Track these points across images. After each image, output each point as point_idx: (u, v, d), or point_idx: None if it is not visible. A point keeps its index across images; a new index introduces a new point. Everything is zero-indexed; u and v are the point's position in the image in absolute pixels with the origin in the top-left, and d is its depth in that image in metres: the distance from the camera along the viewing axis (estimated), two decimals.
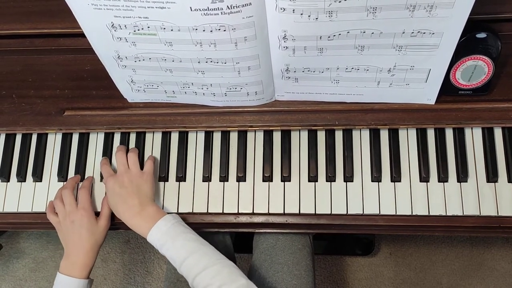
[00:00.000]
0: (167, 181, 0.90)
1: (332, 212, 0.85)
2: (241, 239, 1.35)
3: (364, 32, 0.69)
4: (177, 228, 0.80)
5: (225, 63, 0.75)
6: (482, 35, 0.74)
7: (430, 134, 0.87)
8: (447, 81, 0.79)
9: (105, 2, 0.67)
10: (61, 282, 0.82)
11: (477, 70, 0.78)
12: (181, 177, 0.90)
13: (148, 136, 0.92)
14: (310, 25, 0.68)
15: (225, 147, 0.90)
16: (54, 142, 0.94)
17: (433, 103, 0.82)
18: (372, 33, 0.69)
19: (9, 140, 0.95)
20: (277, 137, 0.90)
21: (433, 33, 0.68)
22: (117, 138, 0.93)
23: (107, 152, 0.92)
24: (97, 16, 0.69)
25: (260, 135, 0.91)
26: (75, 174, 0.92)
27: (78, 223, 0.83)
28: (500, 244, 1.46)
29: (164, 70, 0.79)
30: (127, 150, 0.90)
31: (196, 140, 0.91)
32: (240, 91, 0.81)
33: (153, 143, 0.92)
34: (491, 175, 0.84)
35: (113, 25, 0.70)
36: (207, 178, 0.89)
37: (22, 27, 0.84)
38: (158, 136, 0.92)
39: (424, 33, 0.68)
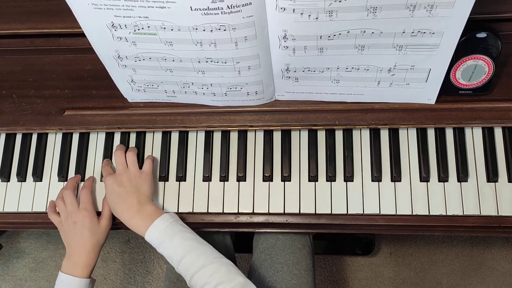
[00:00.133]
0: (167, 181, 0.90)
1: (332, 212, 0.85)
2: (241, 239, 1.35)
3: (364, 31, 0.69)
4: (175, 227, 0.80)
5: (225, 62, 0.75)
6: (482, 34, 0.74)
7: (430, 134, 0.87)
8: (447, 80, 0.79)
9: (105, 2, 0.67)
10: (63, 281, 0.82)
11: (477, 70, 0.78)
12: (181, 177, 0.90)
13: (148, 136, 0.92)
14: (310, 25, 0.68)
15: (225, 147, 0.90)
16: (54, 142, 0.94)
17: (433, 103, 0.82)
18: (372, 32, 0.69)
19: (9, 140, 0.95)
20: (277, 137, 0.90)
21: (433, 33, 0.68)
22: (117, 137, 0.93)
23: (108, 152, 0.92)
24: (97, 16, 0.69)
25: (260, 135, 0.91)
26: (75, 174, 0.92)
27: (80, 224, 0.83)
28: (500, 244, 1.46)
29: (164, 70, 0.79)
30: (127, 150, 0.90)
31: (196, 140, 0.91)
32: (240, 90, 0.81)
33: (153, 143, 0.92)
34: (491, 175, 0.84)
35: (113, 24, 0.70)
36: (207, 178, 0.89)
37: (23, 26, 0.84)
38: (158, 136, 0.92)
39: (424, 32, 0.68)
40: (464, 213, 0.83)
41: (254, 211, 0.87)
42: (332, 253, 1.48)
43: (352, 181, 0.86)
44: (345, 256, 1.48)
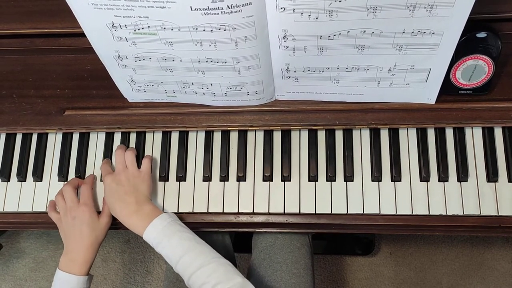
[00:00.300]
0: (167, 180, 0.90)
1: (332, 212, 0.85)
2: (240, 238, 1.35)
3: (364, 31, 0.69)
4: (173, 226, 0.80)
5: (225, 62, 0.75)
6: (482, 34, 0.74)
7: (430, 134, 0.87)
8: (447, 80, 0.79)
9: (106, 2, 0.67)
10: (61, 279, 0.82)
11: (477, 70, 0.78)
12: (181, 177, 0.90)
13: (148, 136, 0.93)
14: (310, 25, 0.68)
15: (225, 147, 0.90)
16: (54, 142, 0.94)
17: (434, 103, 0.82)
18: (372, 32, 0.69)
19: (10, 140, 0.95)
20: (277, 136, 0.90)
21: (433, 33, 0.68)
22: (117, 137, 0.93)
23: (108, 151, 0.92)
24: (98, 16, 0.69)
25: (260, 135, 0.91)
26: (75, 173, 0.92)
27: (79, 219, 0.83)
28: (500, 243, 1.46)
29: (164, 70, 0.79)
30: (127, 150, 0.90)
31: (196, 140, 0.91)
32: (241, 90, 0.82)
33: (153, 143, 0.92)
34: (492, 175, 0.84)
35: (113, 24, 0.70)
36: (207, 177, 0.89)
37: (23, 26, 0.84)
38: (158, 136, 0.92)
39: (424, 32, 0.68)
40: (464, 213, 0.83)
41: (254, 211, 0.87)
42: (332, 253, 1.48)
43: (352, 181, 0.86)
44: (345, 256, 1.48)
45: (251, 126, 0.87)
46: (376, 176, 0.86)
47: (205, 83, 0.80)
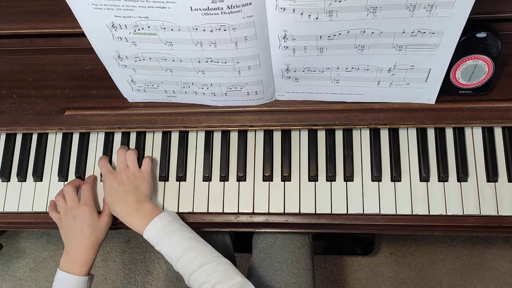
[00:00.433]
0: (168, 180, 0.90)
1: (332, 212, 0.85)
2: (240, 238, 1.35)
3: (364, 31, 0.69)
4: (173, 225, 0.80)
5: (225, 62, 0.75)
6: (482, 34, 0.74)
7: (430, 134, 0.87)
8: (447, 80, 0.79)
9: (106, 2, 0.67)
10: (61, 279, 0.82)
11: (477, 70, 0.78)
12: (181, 177, 0.90)
13: (149, 136, 0.93)
14: (310, 25, 0.68)
15: (225, 147, 0.90)
16: (54, 142, 0.94)
17: (433, 103, 0.82)
18: (372, 32, 0.69)
19: (10, 140, 0.95)
20: (277, 136, 0.90)
21: (433, 33, 0.68)
22: (117, 137, 0.93)
23: (108, 151, 0.92)
24: (98, 16, 0.69)
25: (260, 135, 0.91)
26: (75, 173, 0.92)
27: (80, 219, 0.83)
28: (500, 243, 1.46)
29: (164, 70, 0.79)
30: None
31: (196, 140, 0.92)
32: (241, 90, 0.82)
33: (153, 143, 0.92)
34: (491, 175, 0.84)
35: (113, 25, 0.71)
36: (207, 177, 0.89)
37: (23, 26, 0.84)
38: (158, 136, 0.92)
39: (424, 32, 0.68)
40: (464, 213, 0.83)
41: (254, 211, 0.87)
42: (332, 253, 1.48)
43: (352, 181, 0.87)
44: (345, 256, 1.48)
45: (251, 126, 0.87)
46: (376, 176, 0.86)
47: (205, 83, 0.80)
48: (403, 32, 0.69)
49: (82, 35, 0.74)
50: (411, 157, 0.87)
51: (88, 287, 0.84)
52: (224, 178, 0.89)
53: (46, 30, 0.84)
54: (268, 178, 0.88)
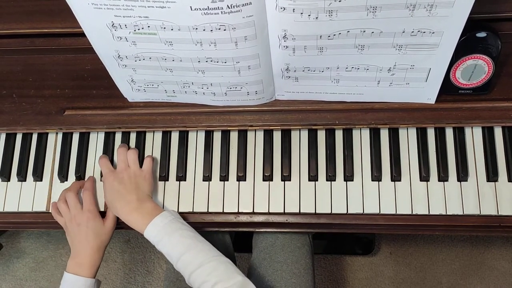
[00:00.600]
0: (168, 180, 0.90)
1: (332, 212, 0.85)
2: (240, 238, 1.35)
3: (364, 31, 0.69)
4: (174, 224, 0.80)
5: (225, 62, 0.75)
6: (482, 34, 0.74)
7: (430, 133, 0.87)
8: (447, 80, 0.79)
9: (105, 2, 0.67)
10: (68, 281, 0.82)
11: (477, 70, 0.78)
12: (181, 177, 0.90)
13: (149, 136, 0.93)
14: (310, 25, 0.68)
15: (225, 147, 0.90)
16: (54, 141, 0.94)
17: (433, 103, 0.82)
18: (372, 32, 0.69)
19: (10, 140, 0.95)
20: (277, 136, 0.90)
21: (433, 32, 0.68)
22: (117, 137, 0.93)
23: (108, 151, 0.92)
24: (97, 16, 0.69)
25: (260, 135, 0.91)
26: (75, 173, 0.92)
27: (84, 225, 0.83)
28: (500, 243, 1.46)
29: (164, 70, 0.79)
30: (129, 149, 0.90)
31: (196, 140, 0.92)
32: (240, 90, 0.82)
33: (153, 143, 0.92)
34: (491, 174, 0.84)
35: (113, 24, 0.71)
36: (207, 177, 0.89)
37: (23, 26, 0.84)
38: (158, 136, 0.92)
39: (424, 32, 0.68)
40: (464, 213, 0.83)
41: (254, 211, 0.87)
42: (332, 253, 1.48)
43: (352, 180, 0.87)
44: (345, 255, 1.48)
45: (251, 126, 0.88)
46: (376, 175, 0.86)
47: (205, 83, 0.80)
48: (403, 32, 0.69)
49: (82, 35, 0.74)
50: (411, 156, 0.87)
51: None
52: (224, 177, 0.89)
53: (46, 30, 0.84)
54: (268, 177, 0.88)
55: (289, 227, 0.89)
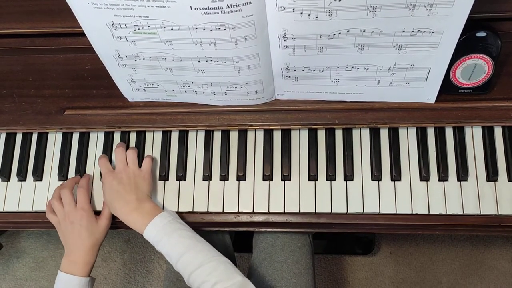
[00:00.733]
0: (167, 180, 0.90)
1: (332, 211, 0.85)
2: (240, 238, 1.35)
3: (364, 31, 0.69)
4: (173, 224, 0.80)
5: (225, 62, 0.75)
6: (482, 34, 0.74)
7: (430, 133, 0.87)
8: (447, 80, 0.79)
9: (105, 1, 0.67)
10: (62, 280, 0.82)
11: (477, 69, 0.78)
12: (181, 176, 0.90)
13: (148, 135, 0.93)
14: (310, 24, 0.68)
15: (225, 146, 0.90)
16: (54, 141, 0.94)
17: (433, 102, 0.83)
18: (372, 32, 0.69)
19: (10, 140, 0.95)
20: (277, 136, 0.90)
21: (433, 32, 0.68)
22: (117, 137, 0.93)
23: (107, 151, 0.92)
24: (97, 15, 0.69)
25: (260, 134, 0.91)
26: (75, 173, 0.92)
27: (77, 223, 0.83)
28: (500, 243, 1.46)
29: (164, 69, 0.79)
30: (127, 148, 0.90)
31: (196, 139, 0.92)
32: (240, 90, 0.82)
33: (153, 142, 0.92)
34: (491, 174, 0.84)
35: (113, 24, 0.71)
36: (207, 177, 0.89)
37: (23, 26, 0.84)
38: (158, 135, 0.92)
39: (424, 31, 0.68)
40: (464, 212, 0.83)
41: (254, 211, 0.87)
42: (332, 253, 1.48)
43: (352, 180, 0.87)
44: (345, 255, 1.48)
45: (251, 125, 0.88)
46: (376, 175, 0.86)
47: (205, 82, 0.80)
48: (403, 31, 0.69)
49: (82, 34, 0.74)
50: (411, 156, 0.87)
51: None
52: (224, 177, 0.89)
53: (46, 30, 0.84)
54: (268, 177, 0.88)
55: (289, 226, 0.89)
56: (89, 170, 0.92)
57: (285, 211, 0.86)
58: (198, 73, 0.79)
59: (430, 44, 0.71)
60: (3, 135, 0.95)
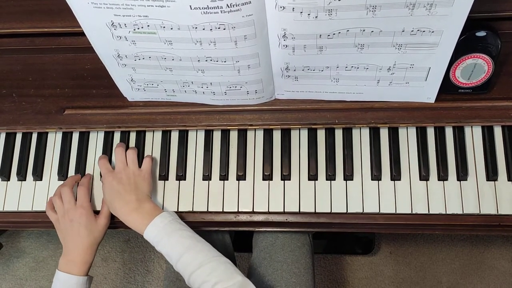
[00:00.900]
0: (167, 180, 0.90)
1: (332, 211, 0.85)
2: (240, 238, 1.35)
3: (364, 30, 0.69)
4: (173, 225, 0.80)
5: (225, 61, 0.75)
6: (481, 33, 0.74)
7: (430, 133, 0.87)
8: (446, 79, 0.79)
9: (105, 1, 0.67)
10: (60, 279, 0.82)
11: (476, 69, 0.78)
12: (181, 176, 0.90)
13: (148, 135, 0.93)
14: (309, 24, 0.68)
15: (225, 146, 0.90)
16: (54, 141, 0.94)
17: (433, 102, 0.83)
18: (372, 31, 0.69)
19: (9, 139, 0.95)
20: (277, 135, 0.90)
21: (432, 32, 0.68)
22: (117, 137, 0.93)
23: (107, 151, 0.92)
24: (97, 15, 0.69)
25: (260, 134, 0.91)
26: (75, 173, 0.92)
27: (76, 221, 0.83)
28: (500, 242, 1.46)
29: (164, 69, 0.79)
30: (127, 148, 0.90)
31: (196, 139, 0.92)
32: (240, 89, 0.82)
33: (153, 142, 0.92)
34: (491, 174, 0.84)
35: (113, 23, 0.71)
36: (207, 177, 0.89)
37: (22, 26, 0.84)
38: (158, 135, 0.92)
39: (424, 31, 0.68)
40: (464, 212, 0.83)
41: (254, 210, 0.87)
42: (332, 252, 1.48)
43: (352, 180, 0.87)
44: (345, 255, 1.48)
45: (251, 125, 0.88)
46: (376, 175, 0.86)
47: (204, 82, 0.81)
48: (403, 31, 0.69)
49: (82, 34, 0.74)
50: (410, 156, 0.87)
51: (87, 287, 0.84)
52: (224, 177, 0.89)
53: (46, 29, 0.84)
54: (268, 177, 0.88)
55: (289, 226, 0.89)
56: (89, 170, 0.92)
57: (285, 210, 0.86)
58: (198, 73, 0.79)
59: (430, 44, 0.71)
60: (3, 135, 0.95)
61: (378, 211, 0.85)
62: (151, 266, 1.53)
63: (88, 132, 0.94)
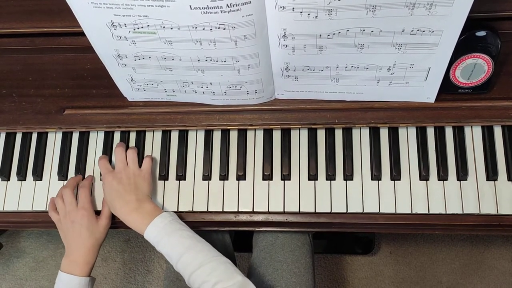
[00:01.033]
0: (167, 179, 0.90)
1: (332, 211, 0.85)
2: (240, 238, 1.35)
3: (364, 30, 0.69)
4: (174, 225, 0.80)
5: (224, 61, 0.75)
6: (481, 33, 0.74)
7: (430, 133, 0.87)
8: (446, 79, 0.79)
9: (105, 1, 0.67)
10: (63, 280, 0.82)
11: (476, 69, 0.78)
12: (181, 176, 0.90)
13: (148, 135, 0.93)
14: (309, 24, 0.68)
15: (225, 146, 0.90)
16: (54, 141, 0.94)
17: (433, 102, 0.83)
18: (372, 31, 0.69)
19: (9, 139, 0.95)
20: (277, 135, 0.90)
21: (432, 31, 0.68)
22: (117, 136, 0.93)
23: (107, 151, 0.92)
24: (97, 15, 0.69)
25: (260, 134, 0.91)
26: (75, 173, 0.92)
27: (78, 223, 0.83)
28: (500, 242, 1.46)
29: (164, 69, 0.79)
30: (127, 148, 0.90)
31: (196, 139, 0.92)
32: (240, 89, 0.82)
33: (153, 142, 0.92)
34: (491, 174, 0.84)
35: (112, 23, 0.71)
36: (207, 176, 0.89)
37: (22, 26, 0.84)
38: (158, 135, 0.92)
39: (424, 31, 0.68)
40: (464, 212, 0.83)
41: (254, 210, 0.87)
42: (332, 252, 1.48)
43: (352, 179, 0.87)
44: (345, 255, 1.48)
45: (251, 125, 0.88)
46: (376, 175, 0.86)
47: (204, 82, 0.81)
48: (403, 31, 0.69)
49: (82, 34, 0.74)
50: (410, 156, 0.87)
51: None
52: (224, 177, 0.89)
53: (45, 29, 0.84)
54: (267, 177, 0.88)
55: (289, 226, 0.89)
56: (89, 170, 0.92)
57: (285, 210, 0.86)
58: (197, 73, 0.79)
59: (430, 44, 0.71)
60: (3, 135, 0.95)
61: (378, 211, 0.85)
62: (151, 266, 1.53)
63: (88, 132, 0.94)
